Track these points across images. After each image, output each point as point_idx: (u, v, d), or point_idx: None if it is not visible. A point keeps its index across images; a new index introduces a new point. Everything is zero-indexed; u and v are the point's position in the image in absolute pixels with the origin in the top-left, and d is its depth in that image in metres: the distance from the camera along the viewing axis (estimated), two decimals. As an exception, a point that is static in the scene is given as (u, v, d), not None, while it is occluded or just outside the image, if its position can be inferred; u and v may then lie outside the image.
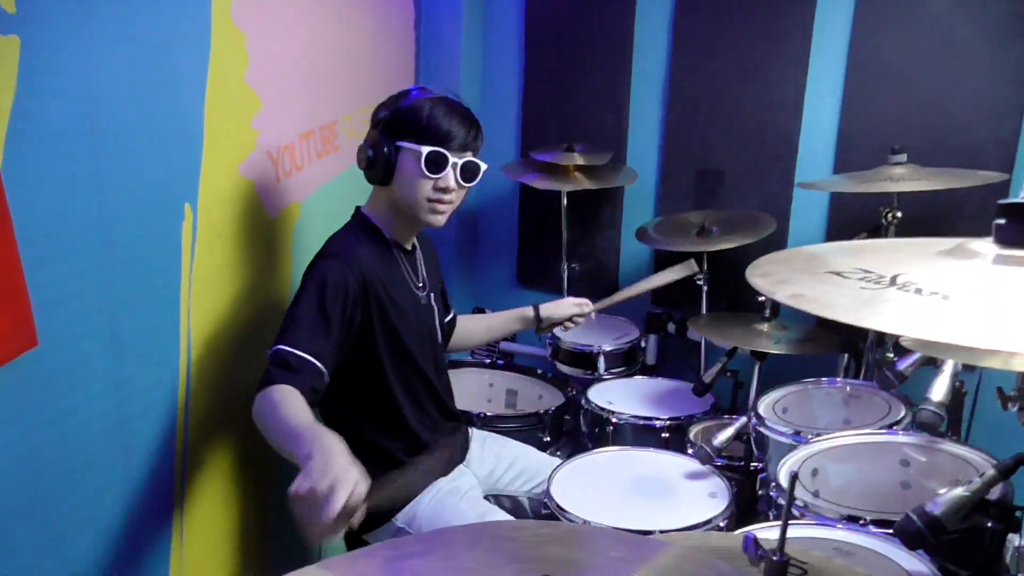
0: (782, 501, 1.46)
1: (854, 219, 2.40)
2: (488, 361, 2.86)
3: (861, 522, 1.32)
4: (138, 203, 1.46)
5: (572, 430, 2.59)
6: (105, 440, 1.40)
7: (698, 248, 2.45)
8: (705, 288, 2.53)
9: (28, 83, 1.19)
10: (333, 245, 1.70)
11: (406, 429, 1.78)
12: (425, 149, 1.62)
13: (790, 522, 1.38)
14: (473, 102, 3.15)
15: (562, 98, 2.95)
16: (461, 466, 1.92)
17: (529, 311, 2.17)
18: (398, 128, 1.64)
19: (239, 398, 1.84)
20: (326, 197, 2.24)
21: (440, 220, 1.71)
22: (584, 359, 2.62)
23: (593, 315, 2.20)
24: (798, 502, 1.44)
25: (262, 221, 1.93)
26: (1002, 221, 0.87)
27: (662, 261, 2.88)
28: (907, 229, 2.06)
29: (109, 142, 1.37)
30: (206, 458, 1.74)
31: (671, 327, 2.74)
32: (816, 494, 1.51)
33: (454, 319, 2.14)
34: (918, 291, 0.79)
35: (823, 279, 0.88)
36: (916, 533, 1.09)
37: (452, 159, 1.64)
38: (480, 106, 3.12)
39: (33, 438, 1.24)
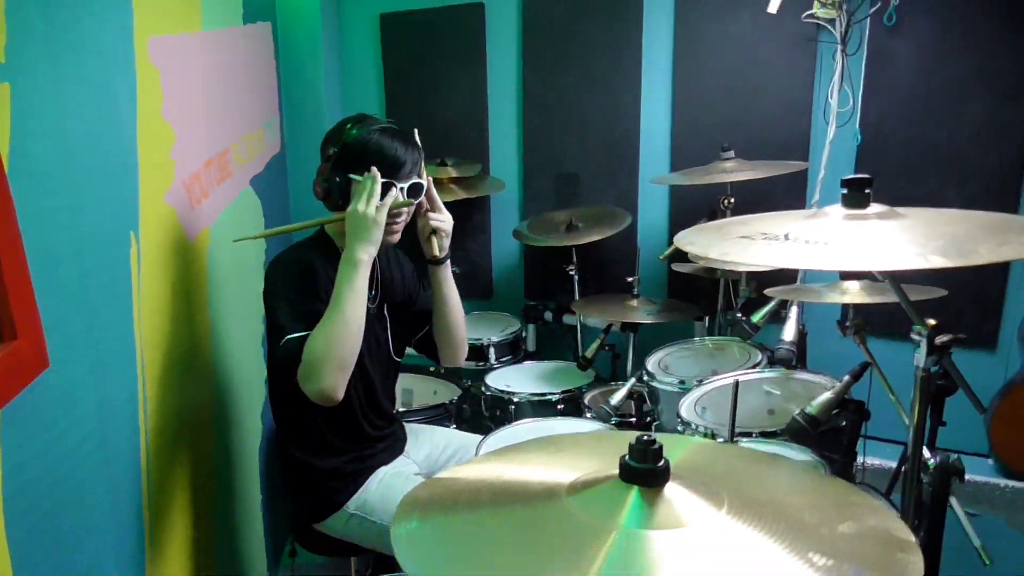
0: (688, 432, 1.81)
1: (692, 207, 2.85)
2: (383, 365, 3.03)
3: (752, 435, 1.70)
4: (102, 233, 1.55)
5: (471, 417, 2.85)
6: (94, 456, 1.48)
7: (567, 242, 2.79)
8: (576, 277, 2.88)
9: (18, 126, 1.27)
10: (285, 254, 1.87)
11: (354, 425, 1.95)
12: (364, 178, 1.76)
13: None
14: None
15: (426, 119, 3.18)
16: (401, 457, 2.11)
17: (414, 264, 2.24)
18: (348, 162, 1.80)
19: (185, 411, 1.94)
20: (227, 221, 2.34)
21: (395, 238, 1.88)
22: (475, 352, 2.88)
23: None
24: (700, 429, 1.80)
25: (185, 247, 2.01)
26: (845, 191, 1.25)
27: (530, 256, 3.21)
28: (739, 210, 2.52)
29: (78, 178, 1.45)
30: (164, 468, 1.83)
31: (547, 315, 3.07)
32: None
33: (427, 334, 2.13)
34: (806, 242, 1.14)
35: (736, 242, 1.22)
36: (801, 430, 1.47)
37: (399, 184, 1.80)
38: (346, 127, 3.29)
39: (45, 457, 1.31)
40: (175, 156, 1.98)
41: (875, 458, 2.61)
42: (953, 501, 1.37)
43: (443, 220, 1.99)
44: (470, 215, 3.23)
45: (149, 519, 1.72)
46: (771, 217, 1.38)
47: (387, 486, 1.97)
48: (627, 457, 0.77)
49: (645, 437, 0.77)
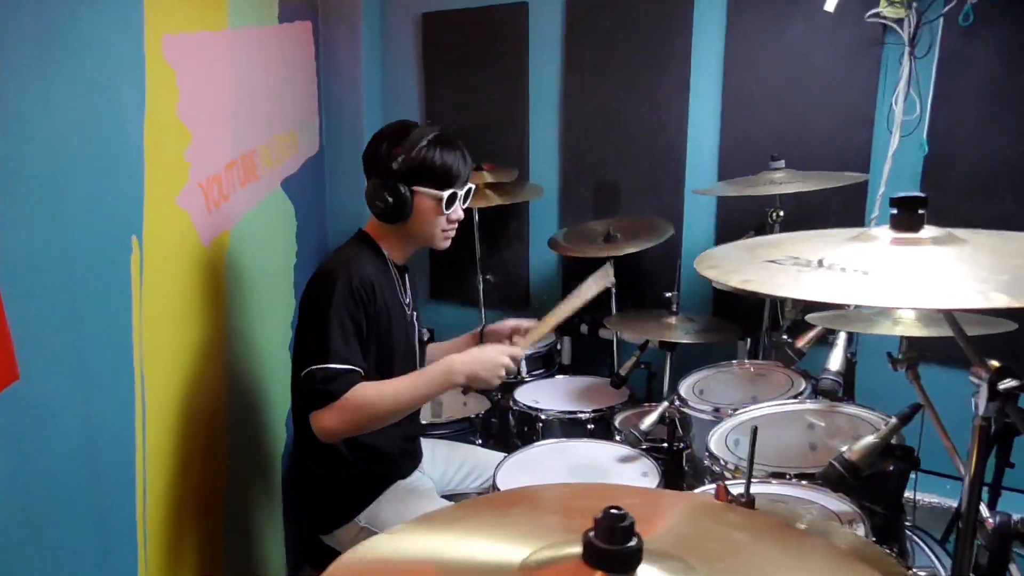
0: (717, 468, 1.65)
1: (740, 220, 2.67)
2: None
3: (787, 477, 1.53)
4: (94, 237, 1.49)
5: (499, 432, 2.73)
6: (76, 474, 1.41)
7: (605, 254, 2.65)
8: (613, 290, 2.74)
9: (3, 128, 1.21)
10: (334, 260, 1.78)
11: (375, 438, 1.84)
12: (444, 194, 1.79)
13: (728, 482, 1.58)
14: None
15: (465, 122, 3.10)
16: (417, 472, 2.02)
17: (476, 330, 2.26)
18: (413, 175, 1.77)
19: (190, 422, 1.87)
20: (251, 225, 2.28)
21: (449, 243, 1.92)
22: (506, 365, 2.76)
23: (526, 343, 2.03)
24: (729, 465, 1.64)
25: (198, 251, 1.96)
26: (895, 211, 1.09)
27: (569, 267, 3.08)
28: (789, 225, 2.34)
29: (67, 181, 1.39)
30: (163, 482, 1.76)
31: (583, 328, 2.93)
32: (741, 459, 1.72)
33: (431, 338, 2.21)
34: (842, 269, 0.99)
35: (763, 267, 1.07)
36: (839, 477, 1.30)
37: (460, 193, 1.84)
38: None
39: (18, 473, 1.25)
40: (190, 157, 1.93)
41: (932, 495, 2.39)
42: (1014, 570, 1.19)
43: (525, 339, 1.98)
44: (507, 222, 3.12)
45: (144, 537, 1.66)
46: (808, 237, 1.23)
47: (402, 502, 1.89)
48: (592, 534, 0.64)
49: (614, 510, 0.64)
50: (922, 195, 1.08)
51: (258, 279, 2.27)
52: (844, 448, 1.32)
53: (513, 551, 0.69)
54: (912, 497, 2.02)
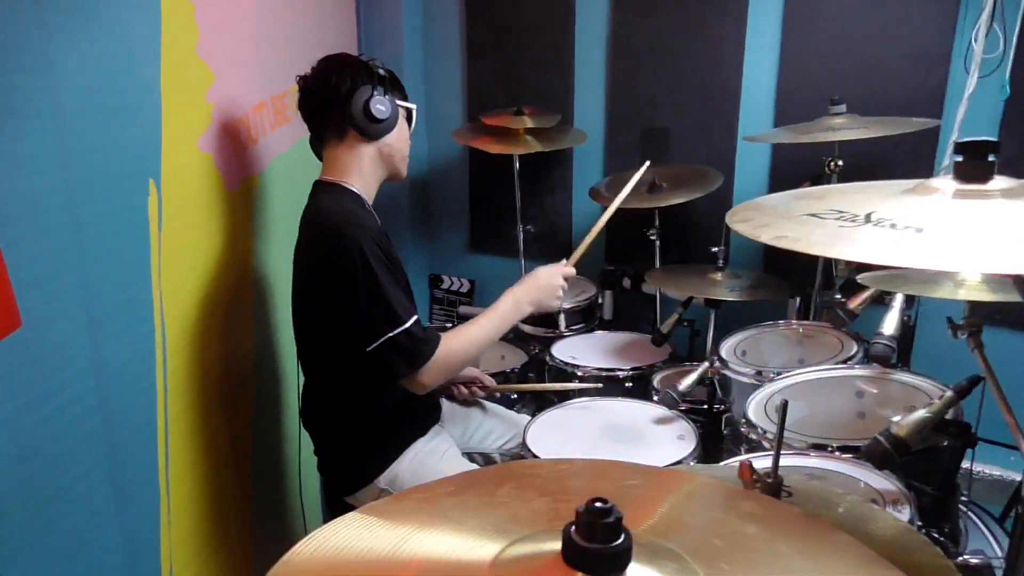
0: (753, 436, 1.55)
1: (796, 169, 2.50)
2: (449, 325, 2.89)
3: (829, 449, 1.42)
4: (105, 180, 1.44)
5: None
6: (86, 420, 1.39)
7: (649, 204, 2.51)
8: (657, 243, 2.61)
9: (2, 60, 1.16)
10: (335, 220, 1.65)
11: (392, 392, 1.79)
12: (413, 106, 1.81)
13: (762, 453, 1.48)
14: (417, 67, 3.15)
15: (507, 61, 2.96)
16: (436, 426, 1.96)
17: None
18: (393, 84, 1.77)
19: (214, 371, 1.84)
20: (281, 169, 2.22)
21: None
22: (545, 318, 2.68)
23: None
24: (767, 435, 1.53)
25: (222, 195, 1.90)
26: (959, 158, 0.95)
27: (612, 218, 2.94)
28: (848, 176, 2.17)
29: (73, 118, 1.34)
30: (188, 433, 1.74)
31: (626, 282, 2.81)
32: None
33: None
34: (892, 226, 0.86)
35: (801, 221, 0.95)
36: (884, 454, 1.19)
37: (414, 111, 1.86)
38: (424, 71, 3.11)
39: (20, 420, 1.22)
40: (213, 98, 1.86)
41: (994, 467, 2.24)
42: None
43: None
44: (550, 170, 2.99)
45: (166, 479, 1.65)
46: (860, 189, 1.09)
47: (421, 464, 1.83)
48: (572, 528, 0.56)
49: (598, 503, 0.55)
50: (992, 140, 0.93)
51: (286, 225, 2.21)
52: (894, 420, 1.20)
53: (489, 542, 0.61)
54: (969, 469, 1.88)
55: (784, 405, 0.91)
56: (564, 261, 1.91)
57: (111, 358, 1.45)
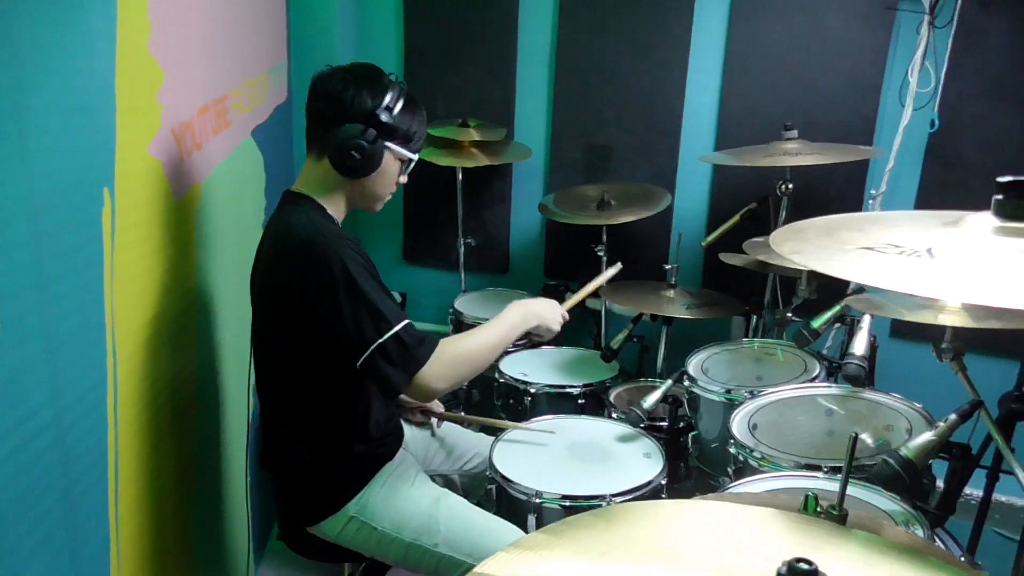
0: (742, 456, 1.57)
1: (736, 190, 2.58)
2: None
3: (824, 470, 1.46)
4: (63, 189, 1.27)
5: (479, 403, 2.62)
6: (45, 458, 1.23)
7: (598, 221, 2.53)
8: (604, 258, 2.62)
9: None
10: (307, 234, 1.58)
11: (367, 415, 1.73)
12: (413, 157, 1.71)
13: (759, 476, 1.49)
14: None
15: (447, 72, 2.90)
16: (401, 451, 1.89)
17: None
18: (392, 131, 1.63)
19: (165, 392, 1.69)
20: (223, 177, 2.07)
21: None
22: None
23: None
24: (755, 454, 1.56)
25: (171, 205, 1.74)
26: (1000, 197, 0.99)
27: (552, 233, 2.95)
28: (797, 200, 2.25)
29: (33, 123, 1.18)
30: (137, 459, 1.58)
31: (568, 296, 2.80)
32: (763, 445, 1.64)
33: (403, 303, 2.11)
34: (954, 262, 0.89)
35: (858, 255, 0.96)
36: (894, 476, 1.22)
37: (415, 161, 1.75)
38: (358, 78, 3.00)
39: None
40: (163, 100, 1.70)
41: (1013, 497, 2.35)
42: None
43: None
44: (491, 183, 2.95)
45: (115, 517, 1.49)
46: (884, 220, 1.12)
47: (391, 489, 1.75)
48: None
49: (803, 564, 0.52)
50: (1032, 180, 0.98)
51: (228, 239, 2.07)
52: (905, 443, 1.24)
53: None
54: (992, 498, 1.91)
55: (854, 439, 0.91)
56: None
57: (68, 387, 1.29)
